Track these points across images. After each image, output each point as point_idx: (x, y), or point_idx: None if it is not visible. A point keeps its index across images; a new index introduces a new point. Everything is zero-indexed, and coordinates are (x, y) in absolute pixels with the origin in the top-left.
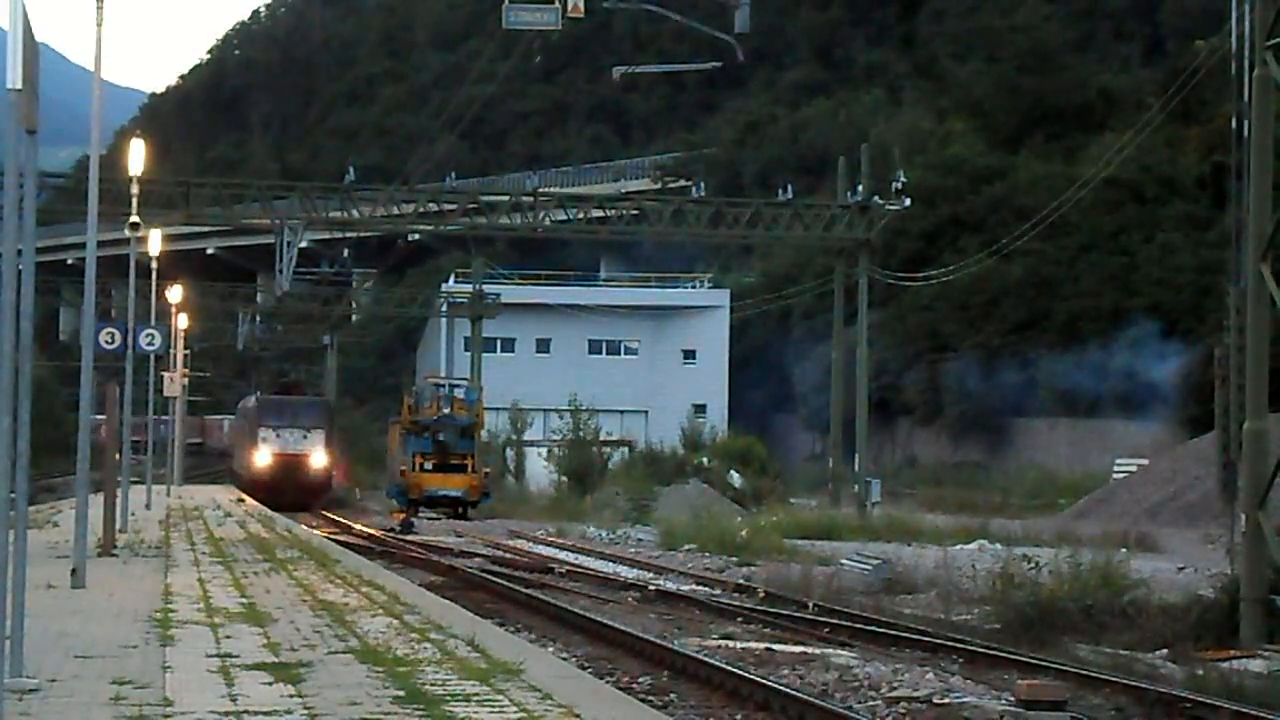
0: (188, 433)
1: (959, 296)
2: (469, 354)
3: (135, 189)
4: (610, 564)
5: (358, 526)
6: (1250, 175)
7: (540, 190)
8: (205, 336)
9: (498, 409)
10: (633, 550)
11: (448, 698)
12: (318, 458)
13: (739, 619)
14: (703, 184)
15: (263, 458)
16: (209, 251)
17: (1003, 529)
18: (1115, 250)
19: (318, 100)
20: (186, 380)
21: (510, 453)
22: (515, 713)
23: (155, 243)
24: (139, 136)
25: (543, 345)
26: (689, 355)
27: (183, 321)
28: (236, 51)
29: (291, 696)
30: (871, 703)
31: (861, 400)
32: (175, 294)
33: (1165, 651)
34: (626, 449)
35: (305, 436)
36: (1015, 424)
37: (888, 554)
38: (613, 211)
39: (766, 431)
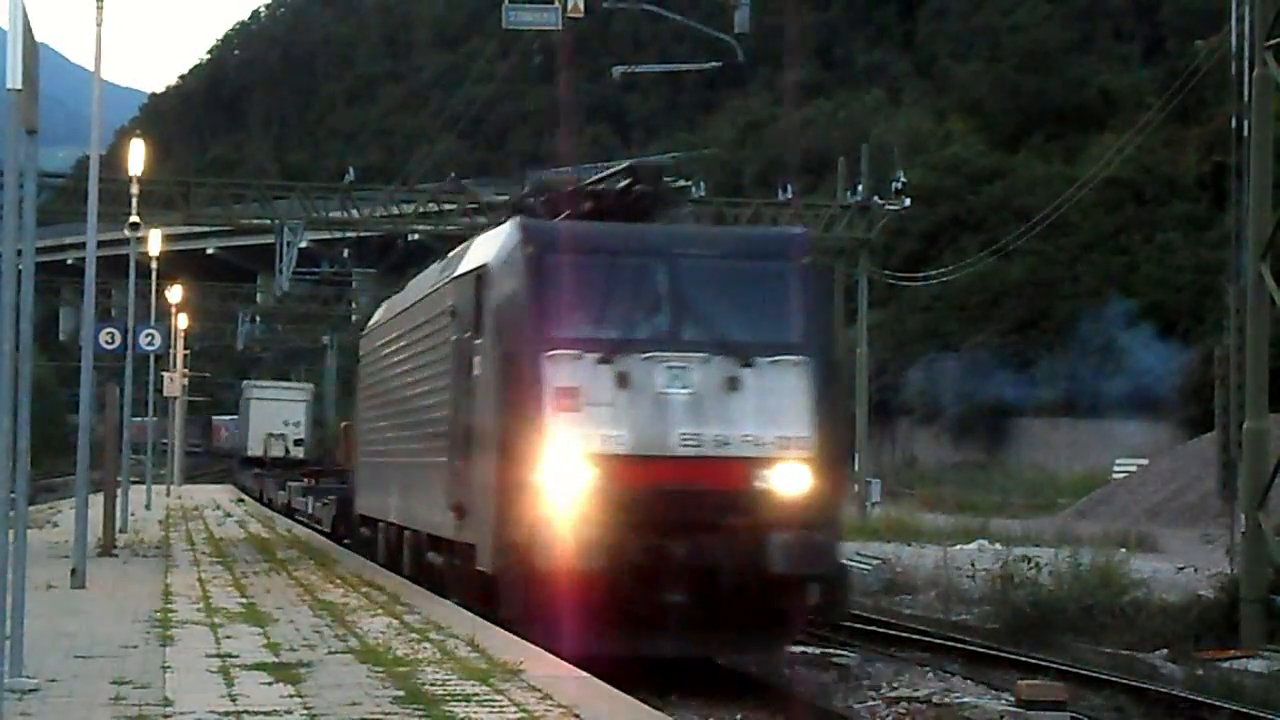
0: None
1: (959, 296)
2: None
3: (135, 189)
4: None
5: None
6: (1250, 175)
7: None
8: (205, 336)
9: None
10: None
11: (448, 698)
12: (794, 477)
13: None
14: (703, 184)
15: (564, 472)
16: (209, 251)
17: (1003, 529)
18: (1115, 250)
19: (318, 100)
20: (186, 380)
21: None
22: (515, 713)
23: (155, 243)
24: (139, 136)
25: None
26: None
27: (183, 321)
28: (236, 51)
29: (291, 696)
30: (871, 703)
31: (861, 400)
32: (175, 294)
33: (1165, 651)
34: None
35: (734, 382)
36: (1015, 424)
37: (888, 554)
38: None
39: None
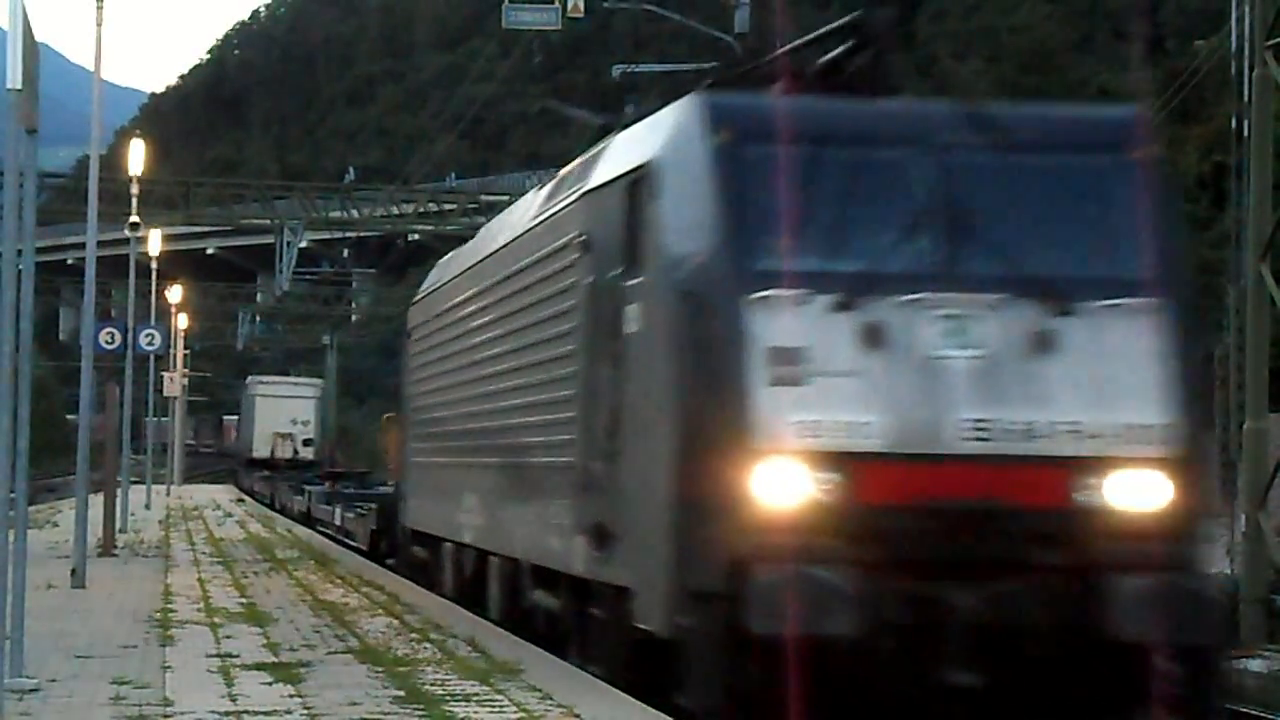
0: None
1: None
2: None
3: (135, 189)
4: None
5: None
6: (1250, 175)
7: None
8: (205, 336)
9: None
10: None
11: (448, 698)
12: (1145, 487)
13: None
14: None
15: (785, 481)
16: (209, 251)
17: None
18: None
19: (318, 100)
20: (186, 380)
21: None
22: (515, 713)
23: (155, 243)
24: (139, 136)
25: None
26: None
27: (183, 321)
28: (236, 51)
29: (291, 696)
30: None
31: None
32: (175, 294)
33: None
34: None
35: (1046, 340)
36: None
37: None
38: None
39: None
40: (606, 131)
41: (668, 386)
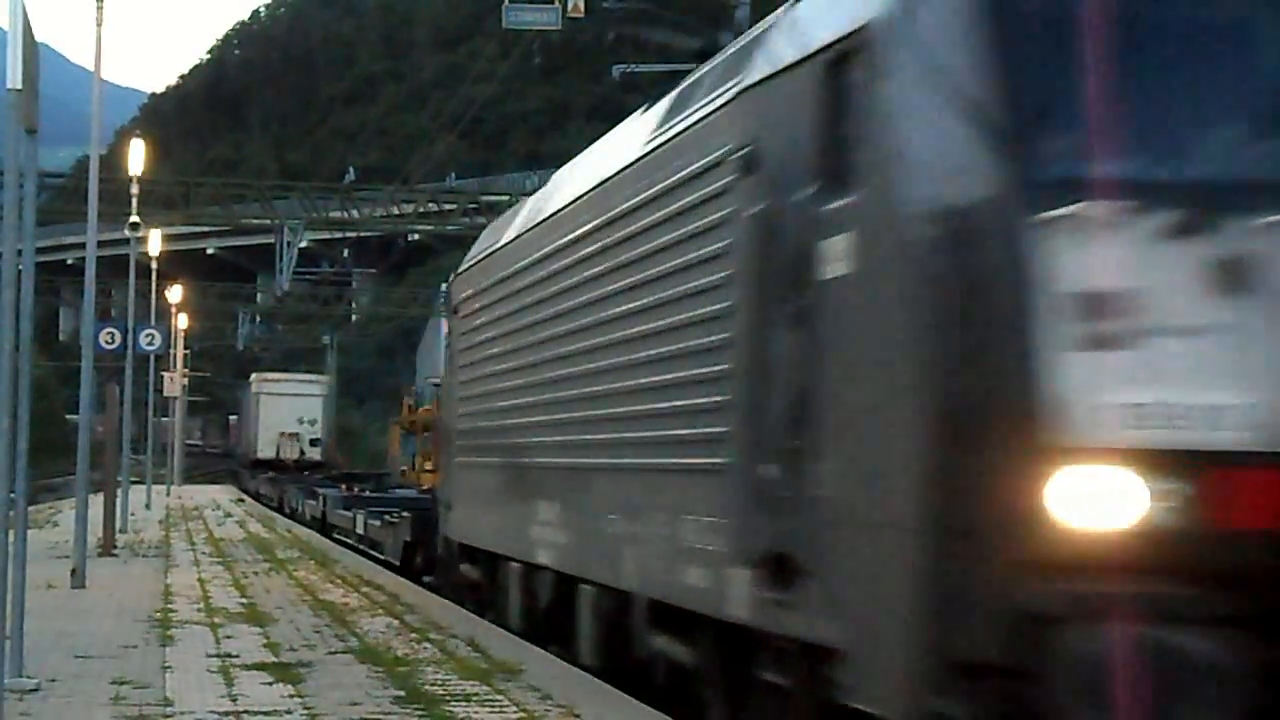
0: None
1: None
2: None
3: (135, 189)
4: None
5: None
6: None
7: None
8: (205, 336)
9: None
10: None
11: (448, 698)
12: None
13: None
14: None
15: (1110, 495)
16: (209, 251)
17: None
18: None
19: (318, 100)
20: (186, 380)
21: None
22: (515, 713)
23: (155, 243)
24: (139, 136)
25: None
26: None
27: (183, 321)
28: (236, 51)
29: (291, 696)
30: None
31: None
32: (175, 294)
33: None
34: None
35: None
36: None
37: None
38: None
39: None
40: (704, 56)
41: (907, 355)
